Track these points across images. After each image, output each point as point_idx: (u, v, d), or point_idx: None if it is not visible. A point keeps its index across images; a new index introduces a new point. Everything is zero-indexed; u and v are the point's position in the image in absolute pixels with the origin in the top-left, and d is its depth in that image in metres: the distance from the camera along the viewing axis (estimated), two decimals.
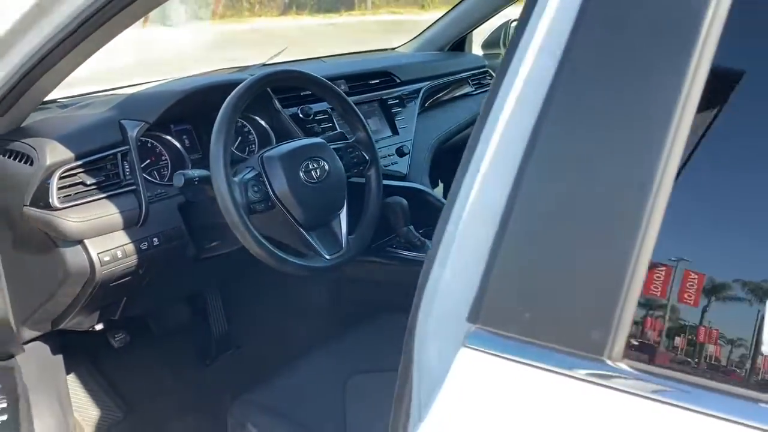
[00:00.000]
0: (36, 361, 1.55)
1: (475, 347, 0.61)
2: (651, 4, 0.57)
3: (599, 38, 0.59)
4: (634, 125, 0.56)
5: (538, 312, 0.60)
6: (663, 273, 0.56)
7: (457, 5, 2.43)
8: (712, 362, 0.55)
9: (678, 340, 0.57)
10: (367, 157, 1.62)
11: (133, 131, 1.40)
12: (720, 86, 0.55)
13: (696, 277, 0.56)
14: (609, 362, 0.57)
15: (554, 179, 0.60)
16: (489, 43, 2.69)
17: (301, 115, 1.80)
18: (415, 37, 2.54)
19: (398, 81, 2.14)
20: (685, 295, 0.55)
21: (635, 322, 0.56)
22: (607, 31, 0.59)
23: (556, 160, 0.60)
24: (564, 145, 0.59)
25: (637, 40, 0.57)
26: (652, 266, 0.55)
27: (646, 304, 0.56)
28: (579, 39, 0.60)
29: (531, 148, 0.60)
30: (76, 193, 1.30)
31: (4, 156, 1.33)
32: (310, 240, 1.43)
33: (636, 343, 0.57)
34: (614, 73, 0.58)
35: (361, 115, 1.63)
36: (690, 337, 0.56)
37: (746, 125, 0.56)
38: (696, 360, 0.55)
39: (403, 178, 2.01)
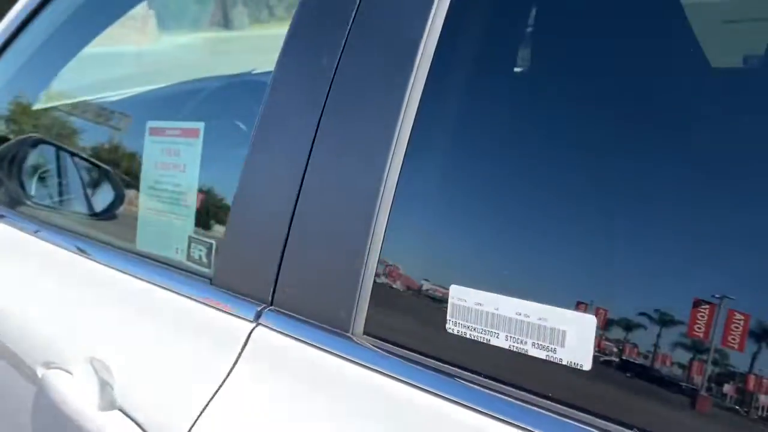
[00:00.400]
0: None
1: (266, 324, 0.73)
2: (381, 33, 0.68)
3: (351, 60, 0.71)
4: (367, 140, 0.67)
5: (307, 293, 0.71)
6: (394, 261, 0.65)
7: None
8: (437, 343, 0.63)
9: (407, 320, 0.66)
10: None
11: None
12: (437, 100, 0.65)
13: (420, 263, 0.65)
14: (353, 338, 0.67)
15: (313, 179, 0.71)
16: None
17: None
18: None
19: None
20: (413, 281, 0.65)
21: (372, 303, 0.66)
22: (353, 56, 0.70)
23: (316, 161, 0.71)
24: (323, 147, 0.71)
25: (370, 65, 0.68)
26: (384, 254, 0.65)
27: (381, 287, 0.66)
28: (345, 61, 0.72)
29: (310, 149, 0.72)
30: None
31: None
32: None
33: (373, 321, 0.66)
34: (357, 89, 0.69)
35: None
36: (416, 318, 0.65)
37: (457, 135, 0.65)
38: (423, 340, 0.64)
39: None
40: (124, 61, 1.86)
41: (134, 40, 1.86)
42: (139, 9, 1.84)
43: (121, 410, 0.80)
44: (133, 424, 0.77)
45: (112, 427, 0.79)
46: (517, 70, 0.64)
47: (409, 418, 0.59)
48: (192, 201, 0.89)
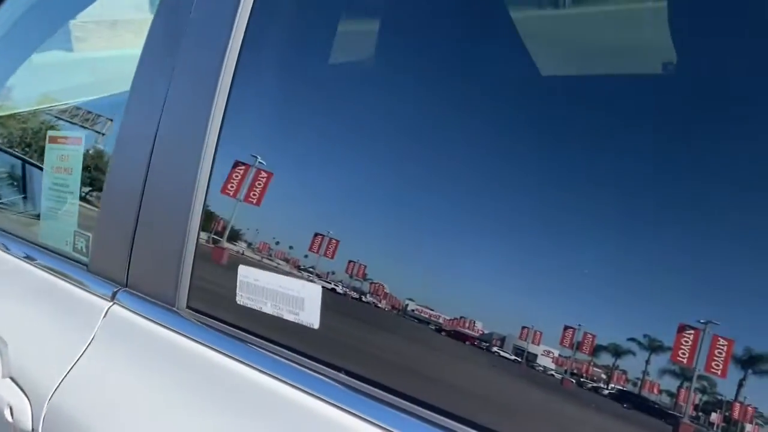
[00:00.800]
0: None
1: (118, 303, 0.88)
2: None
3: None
4: (185, 142, 0.81)
5: (148, 275, 0.85)
6: (206, 245, 0.80)
7: None
8: (235, 313, 0.77)
9: (217, 295, 0.80)
10: None
11: None
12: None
13: (226, 247, 0.79)
14: (178, 312, 0.81)
15: (152, 178, 0.85)
16: None
17: None
18: None
19: None
20: (221, 262, 0.79)
21: (192, 281, 0.80)
22: (179, 74, 0.84)
23: (155, 162, 0.85)
24: (158, 149, 0.85)
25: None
26: (200, 239, 0.79)
27: (198, 268, 0.80)
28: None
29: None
30: None
31: None
32: None
33: (193, 297, 0.81)
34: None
35: None
36: (223, 292, 0.79)
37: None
38: (227, 311, 0.78)
39: None
40: (70, 68, 2.00)
41: (79, 48, 2.00)
42: (82, 17, 1.98)
43: (10, 377, 0.95)
44: (18, 388, 0.92)
45: (3, 392, 0.94)
46: (295, 87, 0.78)
47: (217, 382, 0.73)
48: (76, 199, 1.03)
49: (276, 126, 0.78)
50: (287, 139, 0.77)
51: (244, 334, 0.74)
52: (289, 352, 0.69)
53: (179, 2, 0.88)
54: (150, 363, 0.80)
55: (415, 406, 0.58)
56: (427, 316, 0.59)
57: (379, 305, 0.62)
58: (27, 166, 1.46)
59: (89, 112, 1.16)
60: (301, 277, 0.67)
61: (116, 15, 2.35)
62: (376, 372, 0.62)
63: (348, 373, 0.63)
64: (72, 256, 1.03)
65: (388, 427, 0.57)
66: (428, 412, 0.58)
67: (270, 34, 0.80)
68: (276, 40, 0.80)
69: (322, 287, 0.65)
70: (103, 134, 1.09)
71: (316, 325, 0.66)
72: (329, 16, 0.80)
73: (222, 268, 0.78)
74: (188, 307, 0.81)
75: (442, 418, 0.57)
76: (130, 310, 0.86)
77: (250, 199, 0.77)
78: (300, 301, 0.67)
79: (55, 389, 0.86)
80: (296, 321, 0.67)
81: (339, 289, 0.65)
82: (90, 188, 1.04)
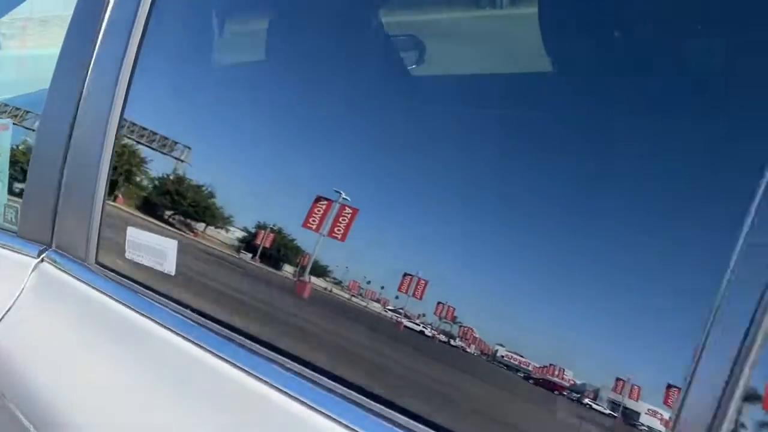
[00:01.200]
0: None
1: (46, 260, 1.07)
2: None
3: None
4: (97, 116, 0.98)
5: (67, 234, 1.04)
6: (110, 208, 0.98)
7: None
8: (129, 268, 0.96)
9: (118, 251, 0.98)
10: None
11: None
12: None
13: (126, 210, 0.97)
14: (88, 266, 1.00)
15: (71, 151, 1.03)
16: None
17: None
18: None
19: None
20: (122, 223, 0.97)
21: (99, 239, 0.99)
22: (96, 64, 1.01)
23: (74, 138, 1.03)
24: (77, 126, 1.02)
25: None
26: (106, 202, 0.98)
27: (103, 228, 0.99)
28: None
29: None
30: None
31: None
32: None
33: (100, 252, 0.99)
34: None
35: None
36: (122, 249, 0.97)
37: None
38: (124, 266, 0.97)
39: None
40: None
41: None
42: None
43: None
44: None
45: None
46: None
47: (115, 325, 0.92)
48: (5, 177, 1.21)
49: (169, 113, 0.95)
50: (178, 125, 0.94)
51: (134, 284, 0.93)
52: (160, 297, 0.88)
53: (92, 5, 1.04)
54: (66, 309, 0.99)
55: (249, 342, 0.78)
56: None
57: (221, 250, 0.81)
58: None
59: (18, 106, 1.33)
60: (163, 233, 0.86)
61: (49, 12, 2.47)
62: (225, 312, 0.81)
63: (192, 310, 0.82)
64: (3, 226, 1.21)
65: (227, 357, 0.77)
66: (281, 357, 0.77)
67: (162, 38, 0.96)
68: (166, 43, 0.96)
69: (178, 241, 0.84)
70: (29, 121, 1.26)
71: (173, 273, 0.84)
72: (213, 17, 0.96)
73: (120, 229, 0.96)
74: (96, 262, 1.00)
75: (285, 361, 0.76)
76: (55, 266, 1.05)
77: (143, 171, 0.95)
78: (163, 253, 0.85)
79: None
80: (162, 270, 0.86)
81: (190, 238, 0.84)
82: (17, 166, 1.22)
